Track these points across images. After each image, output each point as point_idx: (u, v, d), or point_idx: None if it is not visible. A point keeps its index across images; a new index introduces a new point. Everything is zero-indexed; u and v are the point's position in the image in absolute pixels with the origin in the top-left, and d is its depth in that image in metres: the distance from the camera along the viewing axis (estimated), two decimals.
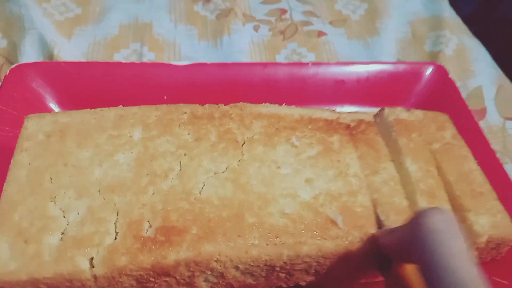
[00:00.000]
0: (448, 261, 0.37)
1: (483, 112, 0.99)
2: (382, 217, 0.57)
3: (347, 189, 0.59)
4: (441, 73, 0.94)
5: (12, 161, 0.57)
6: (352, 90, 0.92)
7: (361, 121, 0.69)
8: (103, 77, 0.83)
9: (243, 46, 1.02)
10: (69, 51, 0.94)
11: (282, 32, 1.10)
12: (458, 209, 0.63)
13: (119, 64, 0.85)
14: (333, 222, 0.54)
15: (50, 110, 0.79)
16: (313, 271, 0.54)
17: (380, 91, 0.92)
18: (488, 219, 0.62)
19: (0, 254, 0.48)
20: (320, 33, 1.11)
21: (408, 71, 0.94)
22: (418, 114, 0.76)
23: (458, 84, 0.94)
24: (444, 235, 0.39)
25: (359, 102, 0.91)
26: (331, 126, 0.67)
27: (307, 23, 1.14)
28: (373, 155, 0.65)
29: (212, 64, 0.87)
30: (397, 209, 0.59)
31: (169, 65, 0.86)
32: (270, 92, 0.88)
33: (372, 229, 0.55)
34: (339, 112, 0.70)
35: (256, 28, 1.10)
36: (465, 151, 0.72)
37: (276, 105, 0.68)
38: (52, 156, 0.57)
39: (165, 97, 0.83)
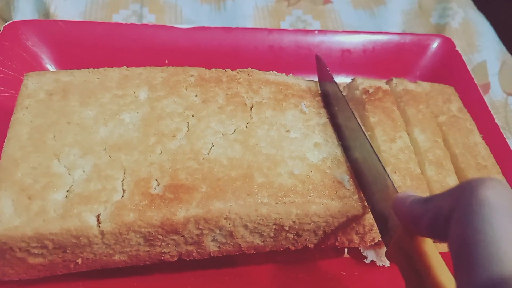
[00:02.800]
0: (499, 247, 0.28)
1: (486, 87, 0.99)
2: (399, 183, 0.57)
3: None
4: (448, 45, 0.93)
5: (12, 118, 0.55)
6: (358, 60, 0.91)
7: (378, 88, 0.69)
8: (102, 39, 0.80)
9: (247, 11, 1.00)
10: (66, 9, 0.90)
11: None
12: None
13: (119, 25, 0.82)
14: (340, 183, 0.54)
15: (47, 70, 0.76)
16: (321, 232, 0.54)
17: (386, 62, 0.91)
18: None
19: (3, 209, 0.47)
20: (326, 1, 1.09)
21: (415, 43, 0.93)
22: (425, 86, 0.76)
23: (463, 53, 0.94)
24: (502, 213, 0.30)
25: (365, 73, 0.90)
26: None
27: None
28: (390, 124, 0.65)
29: (215, 28, 0.84)
30: (412, 175, 0.59)
31: (171, 27, 0.83)
32: (274, 59, 0.86)
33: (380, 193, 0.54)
34: (354, 81, 0.70)
35: None
36: (470, 125, 0.72)
37: (283, 74, 0.67)
38: (55, 114, 0.55)
39: (167, 61, 0.81)
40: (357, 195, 0.53)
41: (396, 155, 0.62)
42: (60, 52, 0.77)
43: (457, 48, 0.92)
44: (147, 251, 0.51)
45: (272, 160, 0.54)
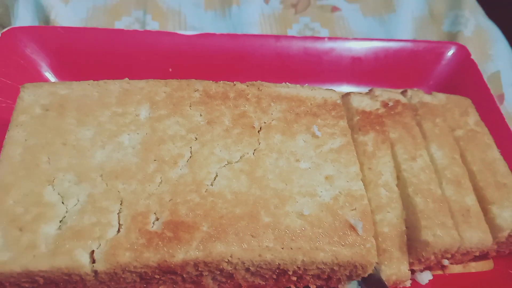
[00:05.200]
0: None
1: (501, 98, 0.94)
2: (421, 206, 0.56)
3: (376, 203, 0.56)
4: (463, 53, 0.88)
5: (6, 136, 0.52)
6: (369, 68, 0.86)
7: (397, 102, 0.66)
8: (103, 45, 0.75)
9: (253, 18, 0.95)
10: (67, 16, 0.86)
11: (294, 6, 1.03)
12: (481, 201, 0.61)
13: (121, 31, 0.78)
14: (352, 228, 0.50)
15: (45, 79, 0.73)
16: (326, 277, 0.51)
17: (399, 70, 0.87)
18: (511, 212, 0.60)
19: None
20: (334, 8, 1.04)
21: (429, 50, 0.88)
22: (441, 97, 0.72)
23: (479, 61, 0.90)
24: None
25: (377, 81, 0.86)
26: (367, 120, 0.63)
27: None
28: (410, 141, 0.63)
29: (221, 35, 0.80)
30: (434, 197, 0.57)
31: (175, 34, 0.79)
32: (283, 67, 0.81)
33: (397, 253, 0.52)
34: (371, 92, 0.66)
35: (266, 0, 1.02)
36: (488, 139, 0.69)
37: (298, 85, 0.63)
38: (50, 133, 0.52)
39: (171, 70, 0.77)
40: (370, 243, 0.50)
41: (417, 175, 0.59)
42: (59, 59, 0.73)
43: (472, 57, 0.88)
44: (143, 287, 0.48)
45: (280, 196, 0.51)
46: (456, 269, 0.64)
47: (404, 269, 0.53)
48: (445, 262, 0.60)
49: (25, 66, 0.70)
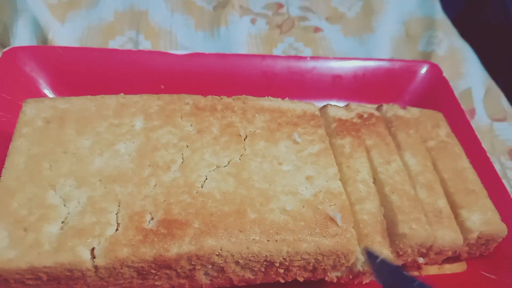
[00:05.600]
0: None
1: (472, 112, 1.01)
2: (397, 203, 0.61)
3: (355, 196, 0.60)
4: (435, 71, 0.95)
5: (10, 146, 0.56)
6: (349, 85, 0.92)
7: (371, 115, 0.71)
8: (99, 64, 0.81)
9: (241, 37, 1.02)
10: (63, 35, 0.91)
11: (279, 26, 1.10)
12: (452, 206, 0.66)
13: (116, 51, 0.83)
14: (332, 220, 0.55)
15: (44, 96, 0.77)
16: (311, 268, 0.55)
17: (376, 87, 0.93)
18: (479, 216, 0.65)
19: None
20: (317, 29, 1.12)
21: (404, 69, 0.95)
22: (414, 111, 0.78)
23: (451, 81, 0.96)
24: None
25: (356, 98, 0.92)
26: (344, 126, 0.68)
27: (303, 18, 1.14)
28: (384, 147, 0.68)
29: (210, 55, 0.86)
30: (409, 196, 0.62)
31: (167, 53, 0.84)
32: (268, 85, 0.87)
33: (379, 237, 0.56)
34: (347, 106, 0.71)
35: (253, 21, 1.10)
36: (458, 150, 0.75)
37: (279, 99, 0.68)
38: (51, 143, 0.56)
39: (162, 87, 0.82)
40: (350, 233, 0.54)
41: (392, 176, 0.64)
42: (57, 77, 0.77)
43: (444, 74, 0.94)
44: (140, 283, 0.52)
45: (264, 195, 0.56)
46: (432, 270, 0.69)
47: (387, 252, 0.57)
48: (420, 260, 0.64)
49: (25, 83, 0.75)
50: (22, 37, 0.88)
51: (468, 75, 1.07)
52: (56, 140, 0.57)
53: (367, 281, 0.62)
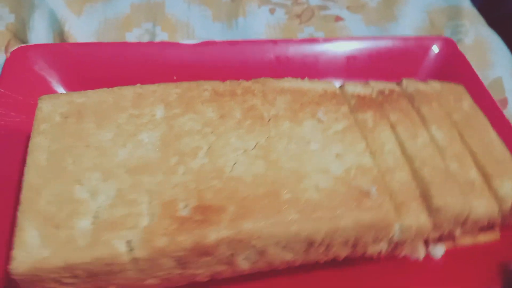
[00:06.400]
0: None
1: (504, 102, 0.97)
2: (429, 177, 0.59)
3: (384, 166, 0.59)
4: (450, 46, 0.93)
5: (29, 144, 0.54)
6: (363, 65, 0.91)
7: (392, 91, 0.70)
8: (109, 59, 0.79)
9: (259, 28, 1.00)
10: (80, 28, 0.89)
11: (299, 16, 1.07)
12: (483, 176, 0.65)
13: (125, 44, 0.81)
14: (367, 194, 0.54)
15: (55, 93, 0.75)
16: (351, 244, 0.54)
17: (391, 65, 0.91)
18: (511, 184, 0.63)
19: (31, 241, 0.46)
20: (338, 18, 1.09)
21: (418, 45, 0.93)
22: (435, 85, 0.77)
23: (478, 74, 0.93)
24: None
25: (371, 78, 0.90)
26: (363, 102, 0.66)
27: (323, 7, 1.11)
28: (409, 122, 0.67)
29: (221, 42, 0.84)
30: (439, 169, 0.61)
31: (178, 44, 0.83)
32: (281, 69, 0.86)
33: (414, 205, 0.55)
34: (366, 84, 0.70)
35: (272, 11, 1.07)
36: (484, 121, 0.74)
37: (298, 79, 0.67)
38: (72, 138, 0.55)
39: (175, 78, 0.80)
40: (386, 205, 0.53)
41: (421, 150, 0.63)
42: (68, 75, 0.75)
43: (472, 64, 0.92)
44: (179, 273, 0.50)
45: (295, 175, 0.54)
46: (466, 240, 0.67)
47: (424, 217, 0.56)
48: (457, 231, 0.62)
49: (35, 82, 0.73)
50: (38, 30, 0.86)
51: (498, 64, 1.04)
52: (77, 135, 0.55)
53: (405, 254, 0.61)
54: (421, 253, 0.61)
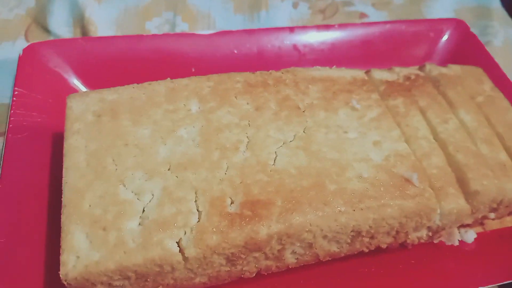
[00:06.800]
0: None
1: None
2: (464, 161, 0.59)
3: (420, 152, 0.58)
4: (463, 28, 0.93)
5: (65, 145, 0.53)
6: (379, 50, 0.90)
7: (418, 76, 0.70)
8: (124, 52, 0.77)
9: (281, 22, 0.97)
10: (100, 15, 0.87)
11: (322, 11, 1.05)
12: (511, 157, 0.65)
13: (141, 37, 0.79)
14: (409, 181, 0.54)
15: (75, 90, 0.73)
16: (394, 232, 0.54)
17: (406, 49, 0.91)
18: None
19: (79, 244, 0.45)
20: (362, 15, 1.06)
21: (431, 28, 0.93)
22: (455, 68, 0.77)
23: (508, 76, 0.92)
24: None
25: (388, 62, 0.89)
26: (392, 88, 0.66)
27: (348, 3, 1.08)
28: (438, 107, 0.66)
29: (238, 31, 0.82)
30: (473, 154, 0.61)
31: (194, 34, 0.81)
32: (299, 56, 0.85)
33: (452, 190, 0.55)
34: (391, 69, 0.69)
35: (295, 5, 1.04)
36: (505, 103, 0.74)
37: (327, 68, 0.66)
38: (109, 136, 0.53)
39: (193, 69, 0.79)
40: (428, 192, 0.53)
41: (453, 135, 0.63)
42: (83, 70, 0.73)
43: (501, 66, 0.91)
44: (228, 270, 0.50)
45: (338, 165, 0.54)
46: (494, 225, 0.68)
47: (462, 202, 0.56)
48: (491, 215, 0.63)
49: (51, 80, 0.71)
50: (58, 15, 0.84)
51: None
52: (113, 133, 0.53)
53: (440, 240, 0.61)
54: (456, 238, 0.62)
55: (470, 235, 0.64)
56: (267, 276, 0.54)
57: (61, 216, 0.47)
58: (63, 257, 0.44)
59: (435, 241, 0.62)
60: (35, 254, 0.52)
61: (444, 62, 0.90)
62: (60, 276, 0.44)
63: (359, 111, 0.61)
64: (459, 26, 0.93)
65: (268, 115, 0.57)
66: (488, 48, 0.99)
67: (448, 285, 0.58)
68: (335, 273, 0.58)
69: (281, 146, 0.55)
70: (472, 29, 1.04)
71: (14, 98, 0.65)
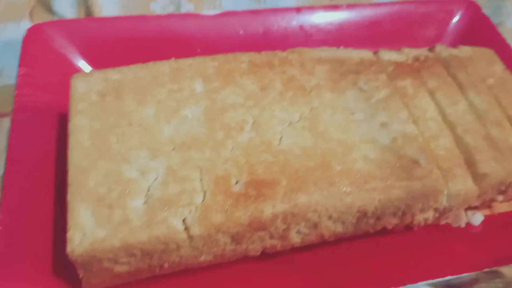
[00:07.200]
0: None
1: None
2: (473, 144, 0.58)
3: (428, 133, 0.58)
4: (474, 9, 0.91)
5: (69, 125, 0.53)
6: (387, 31, 0.88)
7: (427, 57, 0.68)
8: (129, 32, 0.76)
9: (289, 3, 0.95)
10: None
11: None
12: None
13: (146, 17, 0.78)
14: (416, 162, 0.53)
15: (79, 70, 0.73)
16: (400, 214, 0.54)
17: (415, 30, 0.89)
18: None
19: (85, 222, 0.45)
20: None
21: (441, 8, 0.91)
22: (466, 50, 0.75)
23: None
24: None
25: (396, 43, 0.88)
26: (401, 69, 0.65)
27: None
28: (447, 89, 0.65)
29: (243, 12, 0.81)
30: (483, 135, 0.60)
31: (199, 15, 0.80)
32: (306, 37, 0.83)
33: (459, 171, 0.54)
34: (400, 50, 0.68)
35: None
36: None
37: (334, 48, 0.65)
38: (113, 116, 0.53)
39: (199, 50, 0.78)
40: (436, 173, 0.53)
41: (462, 117, 0.62)
42: (88, 50, 0.72)
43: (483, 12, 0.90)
44: (233, 249, 0.50)
45: (344, 145, 0.53)
46: (502, 207, 0.67)
47: (470, 183, 0.56)
48: (500, 198, 0.62)
49: (56, 60, 0.70)
50: None
51: None
52: (117, 113, 0.53)
53: (447, 222, 0.61)
54: (463, 220, 0.61)
55: (477, 218, 0.64)
56: (272, 254, 0.54)
57: (67, 194, 0.48)
58: (69, 234, 0.45)
59: (442, 223, 0.61)
60: (42, 232, 0.53)
61: (454, 43, 0.88)
62: (67, 252, 0.44)
63: (366, 92, 0.60)
64: (470, 6, 0.91)
65: (273, 95, 0.57)
66: (500, 29, 0.97)
67: (454, 267, 0.57)
68: (340, 253, 0.57)
69: (286, 126, 0.54)
70: (484, 10, 1.02)
71: (19, 79, 0.65)
